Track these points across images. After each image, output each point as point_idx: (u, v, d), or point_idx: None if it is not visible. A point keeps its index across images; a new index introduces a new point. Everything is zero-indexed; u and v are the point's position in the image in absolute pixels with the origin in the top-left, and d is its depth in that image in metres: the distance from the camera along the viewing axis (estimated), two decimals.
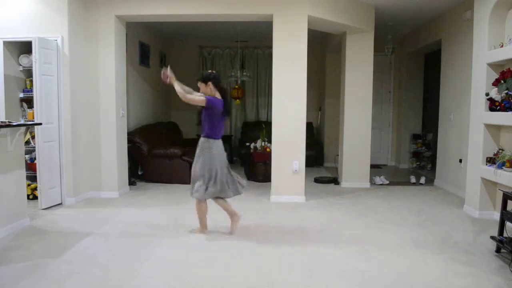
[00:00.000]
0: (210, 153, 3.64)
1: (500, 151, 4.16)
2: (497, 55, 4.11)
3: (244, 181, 3.93)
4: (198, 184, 3.65)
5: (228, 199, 3.84)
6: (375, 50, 6.01)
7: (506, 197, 3.41)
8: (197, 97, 3.67)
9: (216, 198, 3.75)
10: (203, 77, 3.71)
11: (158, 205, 4.91)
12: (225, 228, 3.95)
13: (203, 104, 3.61)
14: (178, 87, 3.66)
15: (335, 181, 6.40)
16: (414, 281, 2.83)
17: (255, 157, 6.37)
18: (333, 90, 7.97)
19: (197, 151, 3.72)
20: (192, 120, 8.84)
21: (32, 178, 4.88)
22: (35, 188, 4.81)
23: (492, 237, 3.44)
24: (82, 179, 5.14)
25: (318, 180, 6.47)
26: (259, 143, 6.49)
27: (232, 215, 3.85)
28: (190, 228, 3.97)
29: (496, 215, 4.23)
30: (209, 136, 3.67)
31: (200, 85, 3.72)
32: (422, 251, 3.40)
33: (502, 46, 4.09)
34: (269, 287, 2.73)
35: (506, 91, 3.96)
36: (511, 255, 3.21)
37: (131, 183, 5.87)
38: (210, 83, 3.68)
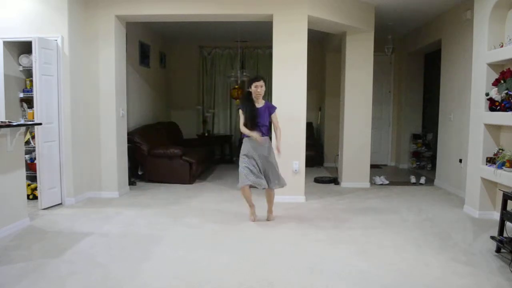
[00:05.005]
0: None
1: (500, 151, 4.16)
2: (497, 55, 4.11)
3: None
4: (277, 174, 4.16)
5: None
6: (375, 50, 6.01)
7: (506, 197, 3.41)
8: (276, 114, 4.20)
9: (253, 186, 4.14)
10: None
11: (158, 205, 4.90)
12: (223, 227, 3.97)
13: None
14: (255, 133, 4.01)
15: (335, 181, 6.40)
16: (414, 281, 2.83)
17: None
18: (333, 90, 7.96)
19: (269, 147, 4.12)
20: (192, 120, 8.85)
21: (32, 178, 4.88)
22: (35, 188, 4.81)
23: (492, 237, 3.44)
24: (82, 179, 5.14)
25: (318, 180, 6.47)
26: None
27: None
28: (190, 228, 3.98)
29: (496, 215, 4.23)
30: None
31: (263, 84, 4.08)
32: (422, 251, 3.40)
33: (502, 46, 4.09)
34: (269, 287, 2.73)
35: (506, 91, 3.96)
36: (511, 255, 3.21)
37: (131, 183, 5.87)
38: None
